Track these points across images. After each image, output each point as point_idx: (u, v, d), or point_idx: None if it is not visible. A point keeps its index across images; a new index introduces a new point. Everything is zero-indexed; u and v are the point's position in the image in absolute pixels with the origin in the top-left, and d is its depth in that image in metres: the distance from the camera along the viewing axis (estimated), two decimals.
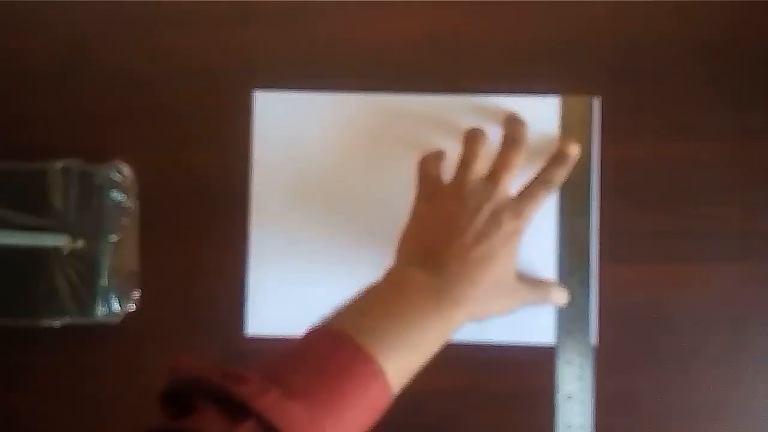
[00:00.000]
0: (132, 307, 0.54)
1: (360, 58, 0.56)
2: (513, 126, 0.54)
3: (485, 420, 0.55)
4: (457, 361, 0.54)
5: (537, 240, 0.54)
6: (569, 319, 0.55)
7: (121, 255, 0.53)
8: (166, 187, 0.56)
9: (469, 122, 0.55)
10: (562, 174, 0.53)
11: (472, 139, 0.53)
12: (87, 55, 0.57)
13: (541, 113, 0.55)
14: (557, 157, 0.53)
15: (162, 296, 0.55)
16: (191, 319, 0.55)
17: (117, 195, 0.53)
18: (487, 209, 0.50)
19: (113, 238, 0.53)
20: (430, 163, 0.54)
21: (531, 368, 0.55)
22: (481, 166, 0.52)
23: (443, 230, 0.50)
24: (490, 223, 0.49)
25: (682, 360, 0.55)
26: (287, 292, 0.55)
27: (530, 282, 0.53)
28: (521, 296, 0.51)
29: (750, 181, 0.55)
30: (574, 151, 0.54)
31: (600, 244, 0.55)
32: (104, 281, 0.52)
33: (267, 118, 0.56)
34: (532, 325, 0.55)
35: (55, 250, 0.52)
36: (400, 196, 0.54)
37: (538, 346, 0.55)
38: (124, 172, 0.54)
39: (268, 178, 0.55)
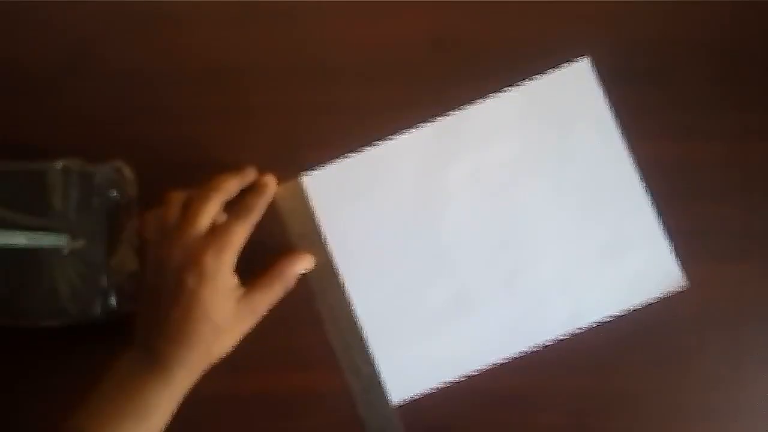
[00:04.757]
0: (132, 306, 0.54)
1: (361, 58, 0.56)
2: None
3: (486, 420, 0.55)
4: None
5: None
6: (364, 390, 0.55)
7: (121, 255, 0.53)
8: (166, 187, 0.55)
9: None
10: (260, 204, 0.53)
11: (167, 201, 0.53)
12: (87, 55, 0.57)
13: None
14: (255, 189, 0.54)
15: None
16: None
17: (117, 195, 0.53)
18: (174, 263, 0.50)
19: (113, 237, 0.53)
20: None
21: (530, 368, 0.55)
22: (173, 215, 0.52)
23: (150, 302, 0.51)
24: (176, 281, 0.49)
25: (682, 360, 0.55)
26: None
27: (261, 282, 0.53)
28: (254, 309, 0.52)
29: (750, 181, 0.55)
30: (271, 182, 0.54)
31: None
32: (104, 281, 0.52)
33: (322, 196, 0.56)
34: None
35: (55, 250, 0.52)
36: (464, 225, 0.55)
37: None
38: (124, 172, 0.54)
39: (348, 251, 0.55)
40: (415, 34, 0.56)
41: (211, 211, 0.51)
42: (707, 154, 0.55)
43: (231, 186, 0.53)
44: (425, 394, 0.54)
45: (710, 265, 0.55)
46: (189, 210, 0.51)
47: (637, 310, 0.55)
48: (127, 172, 0.55)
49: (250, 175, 0.54)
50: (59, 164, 0.53)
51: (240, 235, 0.51)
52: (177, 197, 0.52)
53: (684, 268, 0.55)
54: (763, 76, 0.56)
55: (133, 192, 0.55)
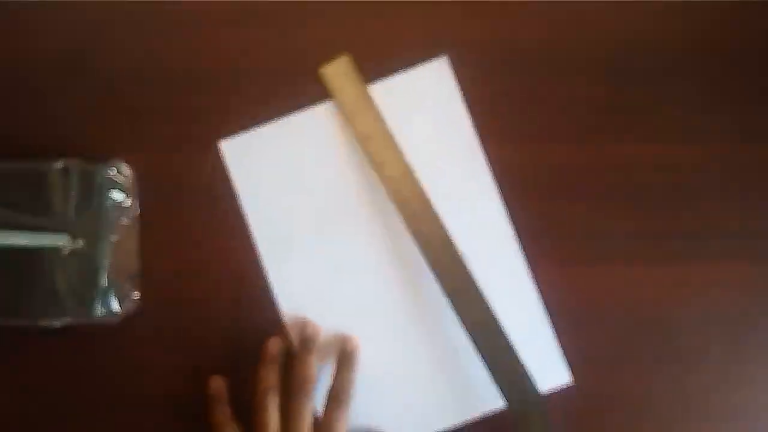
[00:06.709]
0: (132, 307, 0.54)
1: (359, 58, 0.56)
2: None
3: (485, 420, 0.55)
4: None
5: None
6: None
7: (121, 255, 0.53)
8: (166, 187, 0.56)
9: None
10: (353, 379, 0.52)
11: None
12: (87, 55, 0.57)
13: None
14: (341, 362, 0.53)
15: (162, 296, 0.55)
16: (191, 319, 0.55)
17: (117, 195, 0.53)
18: None
19: (113, 238, 0.53)
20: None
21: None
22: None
23: None
24: None
25: (682, 360, 0.55)
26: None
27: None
28: None
29: (750, 181, 0.55)
30: (355, 343, 0.53)
31: (602, 243, 0.55)
32: (104, 281, 0.52)
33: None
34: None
35: (55, 250, 0.52)
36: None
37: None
38: (124, 172, 0.54)
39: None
40: (415, 34, 0.56)
41: (308, 416, 0.50)
42: (707, 154, 0.55)
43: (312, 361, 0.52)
44: None
45: (710, 265, 0.55)
46: (289, 421, 0.50)
47: (637, 309, 0.55)
48: (127, 172, 0.55)
49: (309, 329, 0.53)
50: (59, 164, 0.53)
51: (344, 423, 0.51)
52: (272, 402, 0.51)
53: (686, 267, 0.55)
54: (763, 76, 0.56)
55: (133, 192, 0.55)
